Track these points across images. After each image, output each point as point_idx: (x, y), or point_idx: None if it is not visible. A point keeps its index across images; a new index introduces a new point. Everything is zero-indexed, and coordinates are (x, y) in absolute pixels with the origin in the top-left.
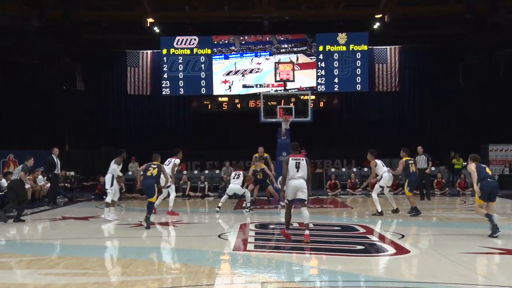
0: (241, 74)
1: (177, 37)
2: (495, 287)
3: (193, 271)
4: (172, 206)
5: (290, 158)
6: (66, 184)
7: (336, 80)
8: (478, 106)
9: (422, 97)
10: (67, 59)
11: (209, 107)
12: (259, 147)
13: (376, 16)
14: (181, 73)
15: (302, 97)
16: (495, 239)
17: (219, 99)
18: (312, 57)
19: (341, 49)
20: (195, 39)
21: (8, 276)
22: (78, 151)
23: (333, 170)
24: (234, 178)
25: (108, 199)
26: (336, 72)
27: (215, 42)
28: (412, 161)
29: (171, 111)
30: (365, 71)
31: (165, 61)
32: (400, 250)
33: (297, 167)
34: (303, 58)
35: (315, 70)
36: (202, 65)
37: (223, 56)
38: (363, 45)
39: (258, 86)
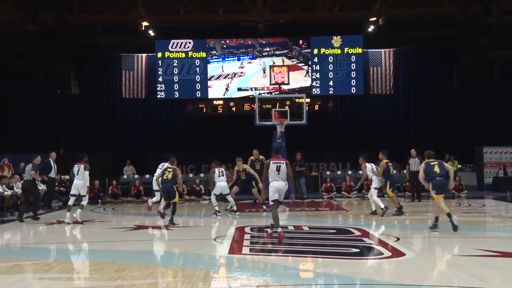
0: (225, 78)
1: (172, 41)
2: None
3: (188, 274)
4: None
5: (271, 162)
6: (61, 188)
7: (331, 83)
8: (473, 108)
9: (417, 100)
10: (61, 62)
11: (204, 111)
12: (254, 150)
13: (371, 19)
14: (176, 76)
15: (297, 100)
16: (491, 241)
17: (214, 102)
18: (293, 60)
19: (336, 52)
20: (190, 43)
21: (2, 281)
22: (73, 155)
23: (328, 173)
24: (219, 176)
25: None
26: (331, 75)
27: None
28: (391, 163)
29: (166, 114)
30: (360, 74)
31: (160, 64)
32: (396, 253)
33: (278, 170)
34: (285, 61)
35: (299, 72)
36: (197, 69)
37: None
38: (357, 48)
39: (243, 89)
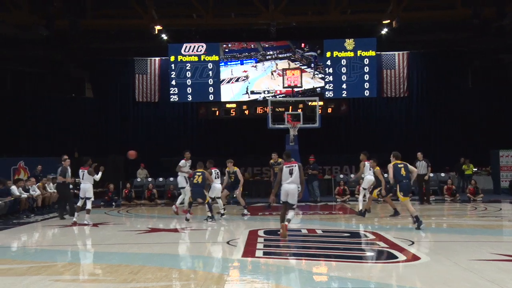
0: (227, 82)
1: (185, 44)
2: None
3: (202, 277)
4: (180, 205)
5: (284, 166)
6: (75, 191)
7: (344, 86)
8: (488, 111)
9: (431, 102)
10: (75, 67)
11: (217, 114)
12: (273, 154)
13: (384, 22)
14: (189, 80)
15: (310, 103)
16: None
17: (227, 105)
18: (297, 63)
19: (349, 55)
20: (202, 46)
21: (17, 283)
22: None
23: (341, 176)
24: (216, 178)
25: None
26: (344, 78)
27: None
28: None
29: (179, 118)
30: (373, 77)
31: (173, 68)
32: (410, 257)
33: (291, 173)
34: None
35: (302, 74)
36: (210, 72)
37: None
38: (371, 51)
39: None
